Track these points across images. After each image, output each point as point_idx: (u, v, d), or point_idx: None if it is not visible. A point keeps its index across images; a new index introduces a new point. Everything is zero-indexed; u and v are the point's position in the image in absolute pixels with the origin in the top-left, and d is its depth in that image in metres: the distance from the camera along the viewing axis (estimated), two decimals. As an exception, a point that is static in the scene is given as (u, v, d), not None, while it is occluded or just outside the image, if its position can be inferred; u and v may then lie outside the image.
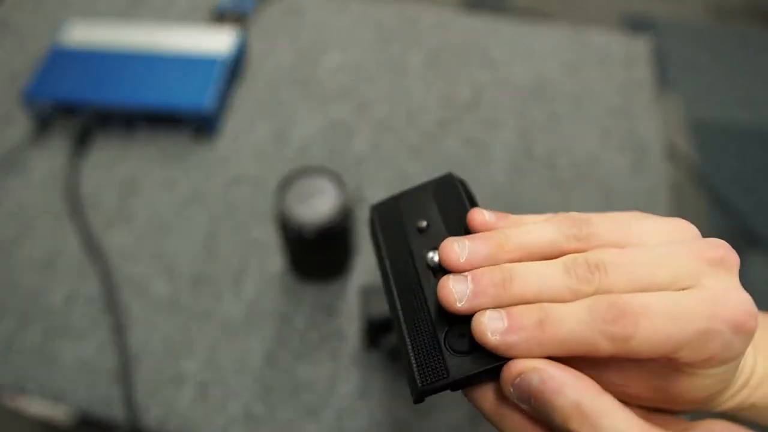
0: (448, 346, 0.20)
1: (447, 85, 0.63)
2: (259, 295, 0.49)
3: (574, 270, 0.19)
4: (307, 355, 0.46)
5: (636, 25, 1.75)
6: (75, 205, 0.53)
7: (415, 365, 0.21)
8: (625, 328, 0.18)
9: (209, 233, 0.52)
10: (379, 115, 0.61)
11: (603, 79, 0.64)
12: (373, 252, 0.27)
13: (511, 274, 0.20)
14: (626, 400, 0.21)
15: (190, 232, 0.52)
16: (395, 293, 0.23)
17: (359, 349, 0.46)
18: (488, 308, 0.20)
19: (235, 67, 0.61)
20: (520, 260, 0.21)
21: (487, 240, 0.21)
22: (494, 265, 0.20)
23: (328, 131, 0.59)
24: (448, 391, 0.44)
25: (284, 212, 0.41)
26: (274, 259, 0.50)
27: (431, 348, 0.21)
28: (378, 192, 0.55)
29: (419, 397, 0.20)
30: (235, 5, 0.69)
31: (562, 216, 0.21)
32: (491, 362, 0.20)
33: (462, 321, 0.21)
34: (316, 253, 0.44)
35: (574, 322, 0.18)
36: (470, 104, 0.62)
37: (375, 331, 0.38)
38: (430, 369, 0.20)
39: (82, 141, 0.57)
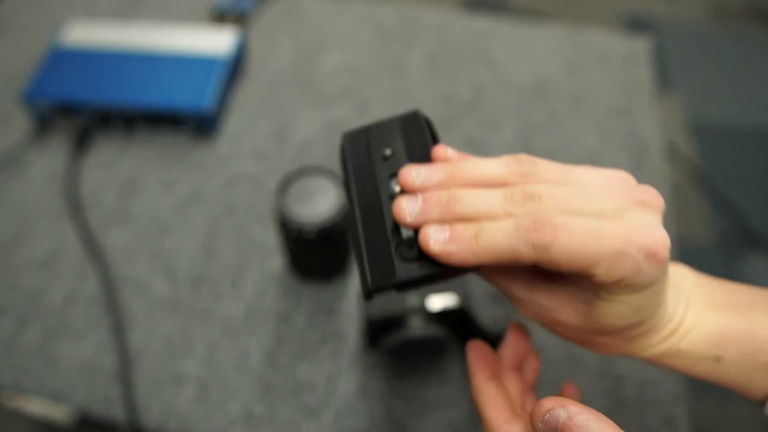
0: (398, 255, 0.24)
1: (447, 85, 0.63)
2: (259, 295, 0.49)
3: (511, 196, 0.22)
4: (307, 355, 0.46)
5: (636, 25, 1.75)
6: (75, 205, 0.53)
7: (368, 268, 0.24)
8: (545, 237, 0.21)
9: (209, 233, 0.52)
10: (379, 115, 0.61)
11: (603, 79, 0.64)
12: (341, 176, 0.29)
13: (456, 196, 0.23)
14: (561, 331, 0.25)
15: (190, 232, 0.52)
16: (357, 210, 0.25)
17: (359, 349, 0.46)
18: (435, 224, 0.23)
19: (235, 67, 0.61)
20: (468, 188, 0.24)
21: (441, 169, 0.24)
22: (444, 189, 0.24)
23: (328, 131, 0.59)
24: (446, 391, 0.44)
25: (284, 212, 0.41)
26: (274, 259, 0.50)
27: (383, 255, 0.24)
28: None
29: (369, 294, 0.24)
30: (235, 5, 0.69)
31: (512, 156, 0.24)
32: (433, 269, 0.23)
33: (413, 236, 0.24)
34: (316, 253, 0.44)
35: (502, 234, 0.21)
36: (470, 104, 0.62)
37: (375, 331, 0.38)
38: (380, 271, 0.23)
39: (82, 141, 0.57)
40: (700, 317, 0.24)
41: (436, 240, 0.22)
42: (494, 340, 0.35)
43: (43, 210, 0.54)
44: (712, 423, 1.06)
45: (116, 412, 0.43)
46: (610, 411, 0.43)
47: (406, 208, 0.23)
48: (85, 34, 0.61)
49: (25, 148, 0.58)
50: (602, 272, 0.21)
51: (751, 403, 1.08)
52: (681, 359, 0.25)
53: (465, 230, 0.22)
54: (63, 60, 0.59)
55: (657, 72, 1.63)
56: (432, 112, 0.61)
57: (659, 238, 0.21)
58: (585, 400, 0.44)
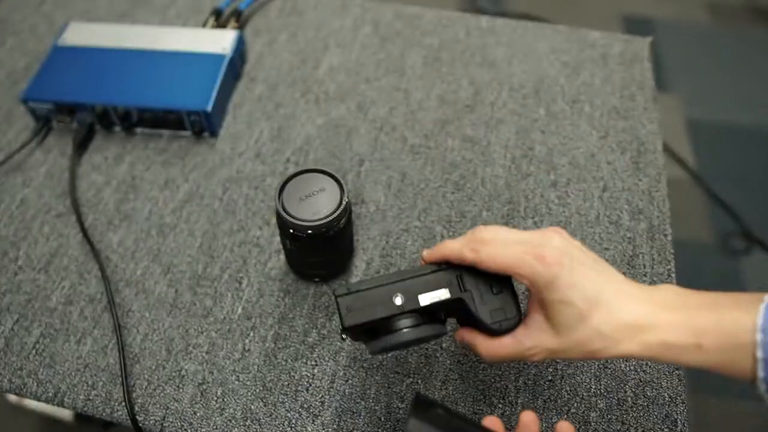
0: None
1: (447, 85, 0.63)
2: (259, 294, 0.49)
3: (466, 234, 0.36)
4: (307, 355, 0.46)
5: (636, 25, 1.75)
6: (75, 205, 0.53)
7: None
8: (476, 245, 0.34)
9: (209, 233, 0.52)
10: (379, 115, 0.61)
11: (603, 79, 0.64)
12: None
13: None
14: (562, 356, 0.34)
15: (189, 232, 0.52)
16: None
17: (360, 350, 0.46)
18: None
19: (235, 67, 0.61)
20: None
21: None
22: None
23: (328, 131, 0.59)
24: (450, 394, 0.44)
25: (284, 212, 0.41)
26: (274, 259, 0.50)
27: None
28: (378, 192, 0.55)
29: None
30: (235, 5, 0.69)
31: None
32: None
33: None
34: (316, 253, 0.44)
35: (455, 243, 0.35)
36: (470, 104, 0.62)
37: (356, 336, 0.38)
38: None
39: (82, 141, 0.57)
40: (677, 316, 0.31)
41: (426, 251, 0.37)
42: (493, 333, 0.35)
43: (43, 210, 0.54)
44: (712, 423, 1.06)
45: (116, 412, 0.43)
46: (610, 411, 0.43)
47: (425, 251, 0.38)
48: (86, 34, 0.61)
49: (26, 148, 0.58)
50: (516, 272, 0.33)
51: (750, 403, 1.08)
52: (670, 350, 0.31)
53: (438, 245, 0.37)
54: (63, 60, 0.59)
55: (656, 72, 1.63)
56: (432, 112, 0.61)
57: (546, 249, 0.32)
58: (585, 400, 0.44)
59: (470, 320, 0.37)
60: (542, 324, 0.34)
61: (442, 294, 0.35)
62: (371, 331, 0.36)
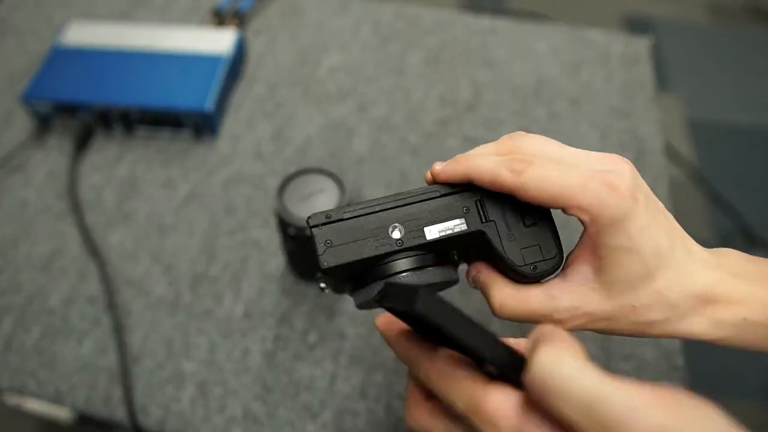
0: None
1: (447, 85, 0.63)
2: (258, 295, 0.49)
3: (501, 139, 0.28)
4: (307, 354, 0.46)
5: (636, 25, 1.75)
6: (75, 205, 0.53)
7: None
8: (520, 164, 0.25)
9: (209, 233, 0.52)
10: (379, 115, 0.61)
11: (603, 79, 0.64)
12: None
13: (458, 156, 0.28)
14: (605, 326, 0.26)
15: (189, 232, 0.52)
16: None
17: (360, 350, 0.46)
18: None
19: (235, 67, 0.61)
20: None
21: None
22: None
23: (328, 131, 0.59)
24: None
25: (284, 212, 0.41)
26: (274, 259, 0.50)
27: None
28: (378, 192, 0.55)
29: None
30: (235, 5, 0.69)
31: (504, 137, 0.28)
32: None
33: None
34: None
35: (488, 159, 0.26)
36: (470, 104, 0.62)
37: (335, 281, 0.29)
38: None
39: (82, 141, 0.57)
40: (757, 289, 0.25)
41: (440, 164, 0.28)
42: (522, 278, 0.27)
43: (43, 210, 0.54)
44: (712, 423, 1.06)
45: (116, 412, 0.43)
46: (610, 411, 0.43)
47: (436, 165, 0.28)
48: (85, 34, 0.61)
49: (26, 148, 0.58)
50: (570, 203, 0.24)
51: (751, 403, 1.08)
52: (750, 332, 0.25)
53: (460, 155, 0.27)
54: (63, 60, 0.59)
55: (656, 72, 1.63)
56: (432, 112, 0.61)
57: (617, 177, 0.24)
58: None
59: (492, 261, 0.28)
60: (589, 278, 0.26)
61: (457, 225, 0.26)
62: (358, 277, 0.27)
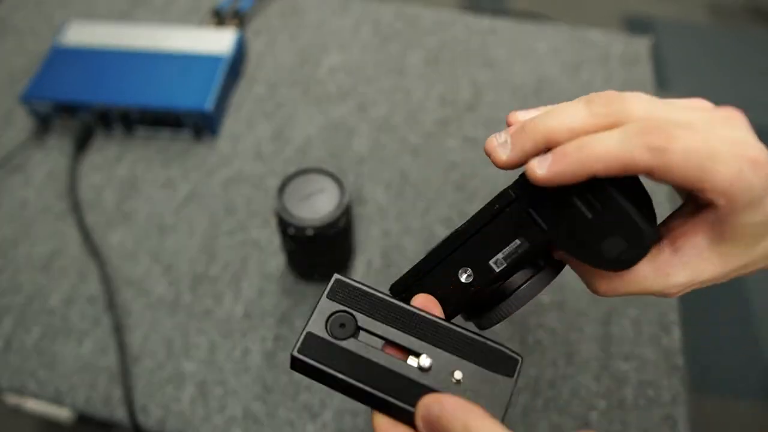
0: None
1: (447, 85, 0.63)
2: (258, 295, 0.49)
3: (591, 101, 0.22)
4: (307, 355, 0.46)
5: (636, 25, 1.75)
6: (75, 205, 0.53)
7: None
8: (661, 138, 0.20)
9: (209, 233, 0.52)
10: (379, 115, 0.61)
11: (603, 79, 0.64)
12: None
13: (538, 121, 0.23)
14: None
15: (189, 232, 0.52)
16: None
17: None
18: (531, 153, 0.23)
19: (235, 67, 0.61)
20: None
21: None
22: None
23: (328, 131, 0.59)
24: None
25: (284, 212, 0.41)
26: (274, 259, 0.50)
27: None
28: (378, 192, 0.55)
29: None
30: (235, 5, 0.69)
31: (593, 95, 0.23)
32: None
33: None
34: (316, 253, 0.44)
35: (609, 140, 0.21)
36: (470, 104, 0.62)
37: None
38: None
39: (82, 141, 0.57)
40: None
41: (541, 165, 0.22)
42: (616, 268, 0.23)
43: (43, 210, 0.54)
44: (712, 423, 1.06)
45: (116, 412, 0.43)
46: (611, 411, 0.43)
47: (497, 147, 0.24)
48: (85, 34, 0.61)
49: (26, 148, 0.58)
50: (707, 184, 0.20)
51: (751, 403, 1.08)
52: None
53: (566, 146, 0.21)
54: (63, 60, 0.59)
55: (656, 72, 1.63)
56: (432, 112, 0.61)
57: (757, 149, 0.20)
58: (585, 400, 0.44)
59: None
60: (704, 248, 0.23)
61: (518, 246, 0.25)
62: (473, 307, 0.28)
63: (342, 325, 0.25)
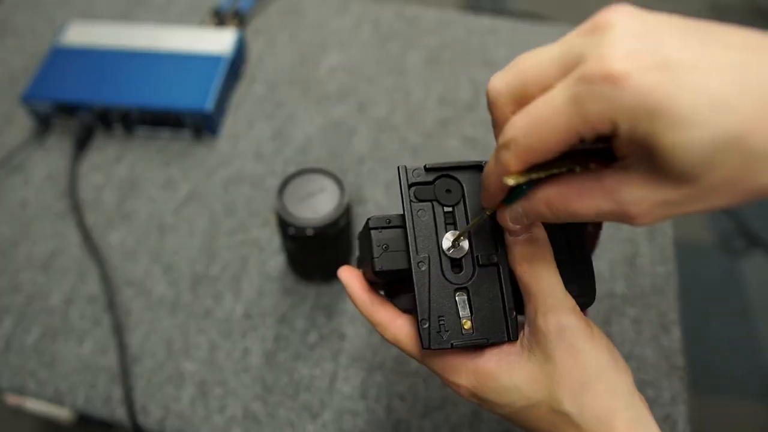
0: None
1: (447, 85, 0.63)
2: (258, 295, 0.49)
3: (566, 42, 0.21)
4: (307, 354, 0.46)
5: (636, 25, 1.75)
6: (75, 205, 0.53)
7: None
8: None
9: (209, 233, 0.52)
10: (379, 115, 0.61)
11: (603, 79, 0.64)
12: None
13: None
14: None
15: (189, 232, 0.52)
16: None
17: (359, 350, 0.46)
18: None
19: (235, 67, 0.61)
20: None
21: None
22: None
23: (328, 131, 0.59)
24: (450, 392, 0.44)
25: (284, 212, 0.41)
26: (274, 259, 0.50)
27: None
28: (378, 192, 0.55)
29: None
30: (235, 5, 0.69)
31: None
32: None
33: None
34: (316, 253, 0.44)
35: (554, 100, 0.20)
36: (470, 104, 0.62)
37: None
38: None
39: (82, 141, 0.57)
40: None
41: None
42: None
43: (43, 210, 0.54)
44: (712, 423, 1.06)
45: (116, 412, 0.43)
46: (610, 411, 0.43)
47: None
48: (85, 34, 0.61)
49: (26, 149, 0.58)
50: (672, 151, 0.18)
51: (751, 403, 1.08)
52: None
53: (514, 133, 0.21)
54: (63, 60, 0.59)
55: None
56: (432, 112, 0.61)
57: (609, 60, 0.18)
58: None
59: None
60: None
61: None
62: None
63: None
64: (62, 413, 0.63)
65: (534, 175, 0.21)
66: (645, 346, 0.46)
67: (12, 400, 0.61)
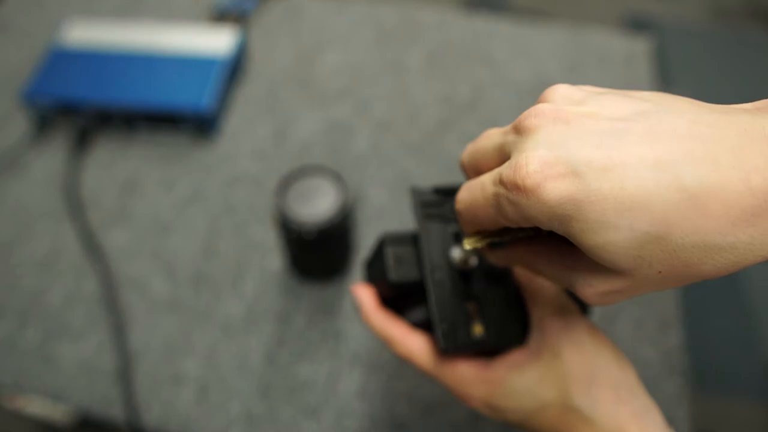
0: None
1: (447, 85, 0.63)
2: (259, 294, 0.49)
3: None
4: (307, 354, 0.46)
5: (636, 25, 1.75)
6: (75, 205, 0.53)
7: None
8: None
9: (209, 233, 0.52)
10: (379, 115, 0.61)
11: (603, 79, 0.64)
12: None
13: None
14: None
15: (189, 231, 0.52)
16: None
17: (359, 350, 0.46)
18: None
19: (235, 67, 0.61)
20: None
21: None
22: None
23: (328, 131, 0.59)
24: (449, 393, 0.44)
25: (284, 212, 0.41)
26: (274, 259, 0.50)
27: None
28: (378, 192, 0.55)
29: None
30: (235, 5, 0.69)
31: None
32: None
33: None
34: (316, 253, 0.44)
35: (478, 191, 0.22)
36: (470, 104, 0.62)
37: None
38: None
39: (82, 141, 0.57)
40: None
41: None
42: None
43: (43, 210, 0.54)
44: (712, 423, 1.06)
45: (116, 412, 0.43)
46: (610, 411, 0.43)
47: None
48: (85, 33, 0.61)
49: (25, 148, 0.58)
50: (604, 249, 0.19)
51: (751, 403, 1.08)
52: None
53: (459, 205, 0.24)
54: (63, 60, 0.59)
55: (657, 72, 1.63)
56: (432, 112, 0.61)
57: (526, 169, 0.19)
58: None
59: None
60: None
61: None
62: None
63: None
64: (62, 413, 0.63)
65: (490, 240, 0.24)
66: (645, 346, 0.46)
67: (12, 400, 0.61)
